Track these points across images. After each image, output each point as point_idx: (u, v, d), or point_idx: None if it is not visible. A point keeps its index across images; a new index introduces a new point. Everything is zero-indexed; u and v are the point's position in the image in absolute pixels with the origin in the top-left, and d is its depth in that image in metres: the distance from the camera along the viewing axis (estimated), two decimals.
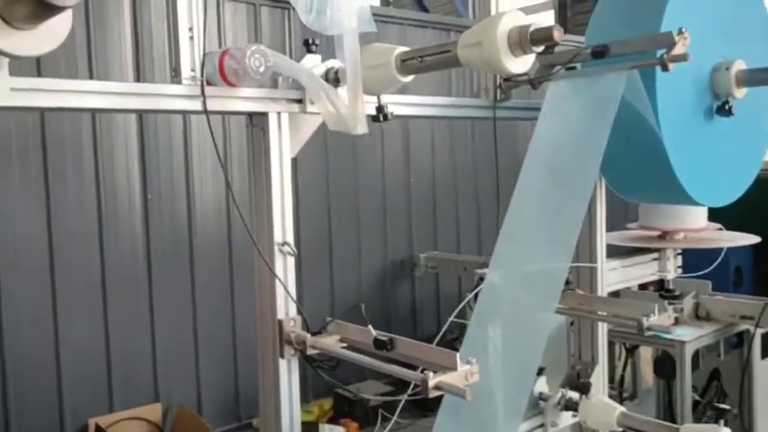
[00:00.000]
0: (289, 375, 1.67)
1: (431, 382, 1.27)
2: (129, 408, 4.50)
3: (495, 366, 1.81)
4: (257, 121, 1.74)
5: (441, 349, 1.37)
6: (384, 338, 1.46)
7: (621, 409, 2.21)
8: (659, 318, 1.86)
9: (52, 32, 1.15)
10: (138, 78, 4.47)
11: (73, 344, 4.29)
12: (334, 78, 1.81)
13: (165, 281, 4.67)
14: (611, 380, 4.51)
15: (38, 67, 3.72)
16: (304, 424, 1.66)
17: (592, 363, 2.53)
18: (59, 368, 4.25)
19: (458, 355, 1.33)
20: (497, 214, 2.00)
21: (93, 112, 3.79)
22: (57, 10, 1.10)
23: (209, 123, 1.59)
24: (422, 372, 1.34)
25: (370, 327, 1.51)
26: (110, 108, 1.58)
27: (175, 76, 1.63)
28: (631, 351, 4.43)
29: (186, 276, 4.77)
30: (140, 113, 4.35)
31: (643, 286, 3.49)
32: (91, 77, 4.26)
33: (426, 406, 5.35)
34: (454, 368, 1.32)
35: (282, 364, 1.66)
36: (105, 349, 4.42)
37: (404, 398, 1.69)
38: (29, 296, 4.13)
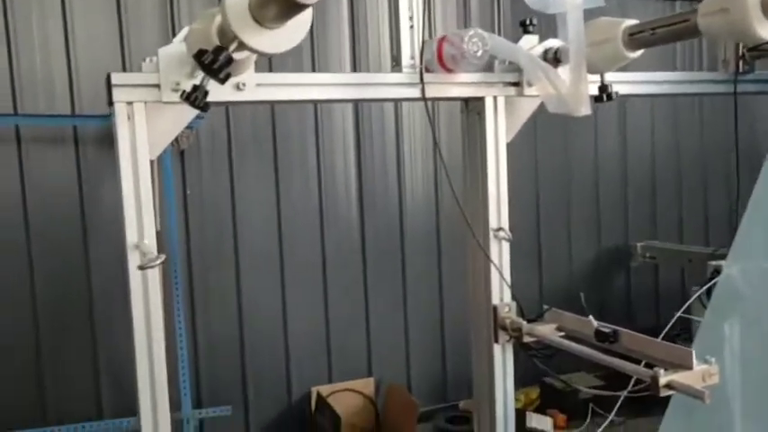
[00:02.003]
0: (503, 361, 1.66)
1: (662, 380, 1.18)
2: (346, 380, 4.81)
3: (732, 369, 1.63)
4: (473, 106, 1.74)
5: (673, 345, 1.26)
6: (607, 330, 1.39)
7: None
8: None
9: (295, 29, 1.25)
10: (353, 69, 4.72)
11: (298, 322, 4.69)
12: (552, 59, 1.74)
13: (379, 265, 4.91)
14: None
15: (269, 64, 4.10)
16: None
17: None
18: (287, 343, 4.66)
19: (694, 352, 1.22)
20: (738, 200, 1.79)
21: (323, 102, 4.04)
22: (302, 8, 1.19)
23: (427, 111, 1.62)
24: (649, 368, 1.25)
25: (591, 317, 1.44)
26: (338, 98, 1.68)
27: (396, 65, 1.69)
28: None
29: (398, 263, 4.96)
30: (359, 103, 4.60)
31: None
32: (313, 71, 4.59)
33: (643, 405, 5.05)
34: (689, 367, 1.21)
35: (497, 349, 1.64)
36: (325, 327, 4.77)
37: (623, 394, 1.59)
38: (262, 277, 4.58)
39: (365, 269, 4.87)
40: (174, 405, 4.09)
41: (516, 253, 1.99)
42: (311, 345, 4.75)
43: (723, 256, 3.74)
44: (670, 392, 1.18)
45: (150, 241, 1.19)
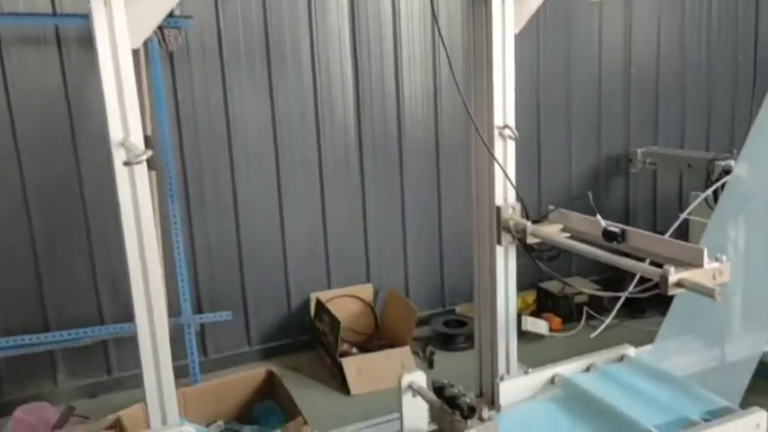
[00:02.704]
0: (506, 263, 1.62)
1: (671, 278, 1.14)
2: (344, 287, 4.86)
3: (735, 269, 1.61)
4: None
5: (684, 243, 1.22)
6: (615, 229, 1.34)
7: None
8: None
9: None
10: None
11: (296, 229, 4.68)
12: None
13: (377, 172, 4.85)
14: None
15: None
16: None
17: None
18: (285, 250, 4.67)
19: (705, 250, 1.18)
20: (752, 102, 1.71)
21: None
22: None
23: None
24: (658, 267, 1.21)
25: (598, 216, 1.39)
26: None
27: None
28: None
29: (396, 170, 4.90)
30: (355, 4, 4.42)
31: None
32: None
33: (636, 307, 5.14)
34: (699, 265, 1.17)
35: (499, 251, 1.61)
36: (323, 234, 4.77)
37: (624, 294, 1.56)
38: (258, 184, 4.53)
39: (362, 176, 4.82)
40: (175, 311, 4.15)
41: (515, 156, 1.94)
42: (309, 252, 4.77)
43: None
44: (679, 291, 1.15)
45: (136, 138, 1.11)
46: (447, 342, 4.82)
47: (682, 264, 1.21)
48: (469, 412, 1.16)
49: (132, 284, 1.14)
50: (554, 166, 5.37)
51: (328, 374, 4.41)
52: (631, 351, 1.52)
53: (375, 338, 4.79)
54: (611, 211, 5.53)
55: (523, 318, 4.83)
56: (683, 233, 3.91)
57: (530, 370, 1.46)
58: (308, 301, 4.81)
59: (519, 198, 1.54)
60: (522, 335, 4.53)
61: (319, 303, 4.66)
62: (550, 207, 1.55)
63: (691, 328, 1.56)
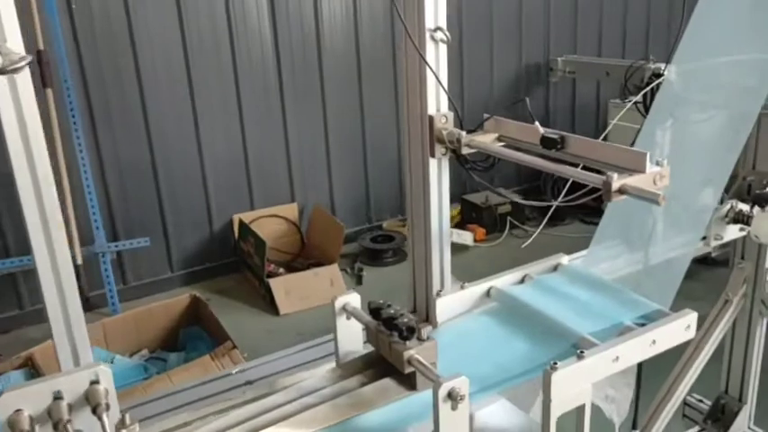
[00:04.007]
0: (439, 175, 1.55)
1: (614, 185, 1.10)
2: (269, 206, 4.73)
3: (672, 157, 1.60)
4: None
5: (625, 148, 1.18)
6: (554, 136, 1.29)
7: None
8: None
9: None
10: None
11: (213, 147, 4.46)
12: None
13: (296, 86, 4.64)
14: None
15: None
16: None
17: None
18: (204, 170, 4.46)
19: (648, 154, 1.14)
20: (684, 7, 1.66)
21: None
22: None
23: None
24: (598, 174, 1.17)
25: (537, 123, 1.33)
26: None
27: None
28: None
29: (316, 84, 4.70)
30: None
31: None
32: None
33: (557, 215, 5.27)
34: (642, 170, 1.14)
35: (433, 164, 1.53)
36: (243, 153, 4.58)
37: (555, 203, 1.53)
38: (169, 98, 4.24)
39: (281, 90, 4.60)
40: (88, 239, 3.92)
41: None
42: (230, 172, 4.58)
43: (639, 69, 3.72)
44: (622, 197, 1.12)
45: (14, 43, 0.94)
46: (375, 258, 4.82)
47: (622, 170, 1.17)
48: (408, 333, 1.11)
49: (25, 211, 1.00)
50: (476, 76, 5.30)
51: (256, 296, 4.34)
52: (565, 259, 1.51)
53: (302, 257, 4.73)
54: (531, 121, 5.54)
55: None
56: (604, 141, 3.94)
57: (465, 284, 1.41)
58: (231, 223, 4.67)
59: (453, 106, 1.45)
60: None
61: (243, 225, 4.53)
62: (485, 115, 1.47)
63: (624, 233, 1.55)
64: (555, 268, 1.59)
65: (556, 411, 1.20)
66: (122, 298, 4.16)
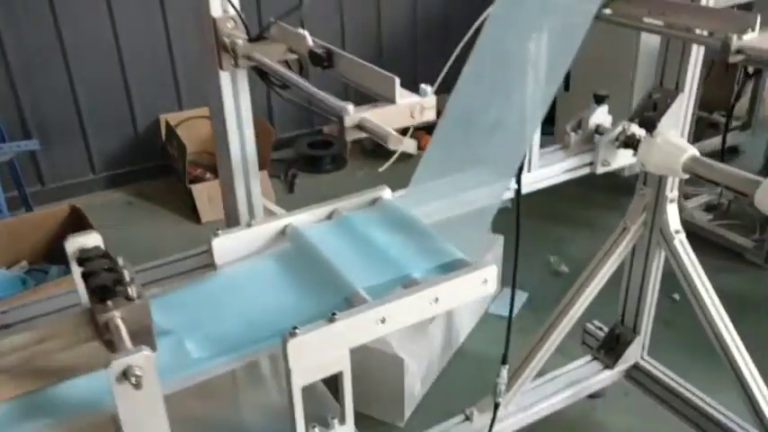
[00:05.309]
0: (234, 92, 1.32)
1: (348, 120, 0.87)
2: (198, 107, 4.45)
3: (487, 104, 1.36)
4: None
5: (378, 71, 0.93)
6: (321, 52, 1.04)
7: (692, 153, 1.73)
8: (761, 36, 1.27)
9: None
10: None
11: (133, 38, 4.12)
12: None
13: None
14: (723, 107, 3.87)
15: None
16: None
17: (675, 91, 1.99)
18: (122, 63, 4.15)
19: (397, 80, 0.90)
20: None
21: None
22: None
23: None
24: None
25: (305, 32, 1.08)
26: None
27: None
28: (754, 75, 3.68)
29: None
30: None
31: None
32: None
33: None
34: (392, 100, 0.91)
35: (224, 77, 1.29)
36: (167, 46, 4.25)
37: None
38: None
39: None
40: None
41: None
42: (154, 67, 4.27)
43: None
44: (359, 135, 0.89)
45: None
46: (312, 164, 4.60)
47: (382, 98, 0.94)
48: (101, 293, 0.91)
49: None
50: None
51: (180, 202, 4.16)
52: (387, 194, 1.29)
53: None
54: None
55: None
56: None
57: (253, 222, 1.21)
58: (157, 124, 4.41)
59: (233, 6, 1.19)
60: None
61: (169, 127, 4.28)
62: (271, 19, 1.21)
63: (445, 169, 1.33)
64: (374, 202, 1.39)
65: (299, 381, 1.03)
66: (39, 200, 3.99)
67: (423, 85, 0.93)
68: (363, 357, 2.50)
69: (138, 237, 3.64)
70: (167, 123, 4.30)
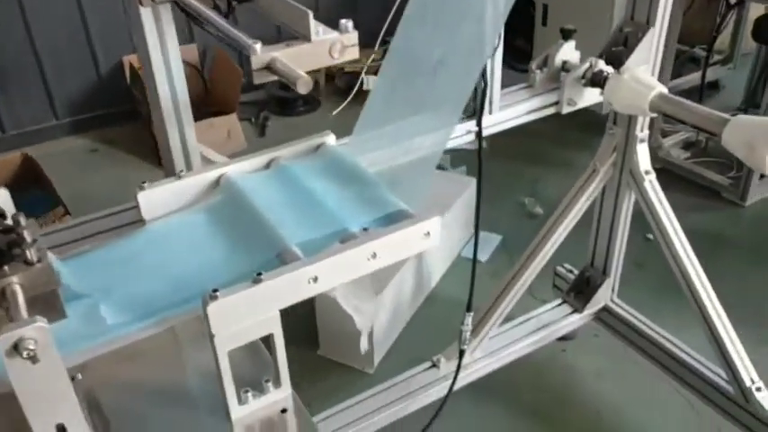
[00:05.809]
0: (159, 30, 1.20)
1: (255, 60, 0.77)
2: None
3: (432, 49, 1.25)
4: None
5: (291, 4, 0.83)
6: None
7: (660, 90, 1.63)
8: None
9: None
10: None
11: None
12: None
13: None
14: (705, 41, 3.75)
15: None
16: None
17: (645, 25, 1.88)
18: (81, 8, 3.95)
19: (310, 14, 0.80)
20: None
21: None
22: None
23: None
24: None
25: None
26: None
27: None
28: (736, 6, 3.55)
29: None
30: None
31: None
32: None
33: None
34: (307, 37, 0.81)
35: (145, 14, 1.17)
36: None
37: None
38: None
39: None
40: None
41: None
42: (113, 7, 4.05)
43: None
44: (269, 78, 0.79)
45: None
46: (284, 107, 4.47)
47: (296, 35, 0.83)
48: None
49: None
50: None
51: (146, 148, 4.02)
52: (331, 140, 1.20)
53: (206, 105, 4.35)
54: None
55: None
56: None
57: (183, 173, 1.12)
58: (121, 66, 4.23)
59: None
60: None
61: (133, 69, 4.10)
62: None
63: (390, 115, 1.23)
64: (317, 149, 1.30)
65: (225, 345, 0.97)
66: (1, 147, 3.85)
67: (343, 21, 0.83)
68: (327, 305, 2.45)
69: (101, 185, 3.53)
70: (131, 66, 4.12)
